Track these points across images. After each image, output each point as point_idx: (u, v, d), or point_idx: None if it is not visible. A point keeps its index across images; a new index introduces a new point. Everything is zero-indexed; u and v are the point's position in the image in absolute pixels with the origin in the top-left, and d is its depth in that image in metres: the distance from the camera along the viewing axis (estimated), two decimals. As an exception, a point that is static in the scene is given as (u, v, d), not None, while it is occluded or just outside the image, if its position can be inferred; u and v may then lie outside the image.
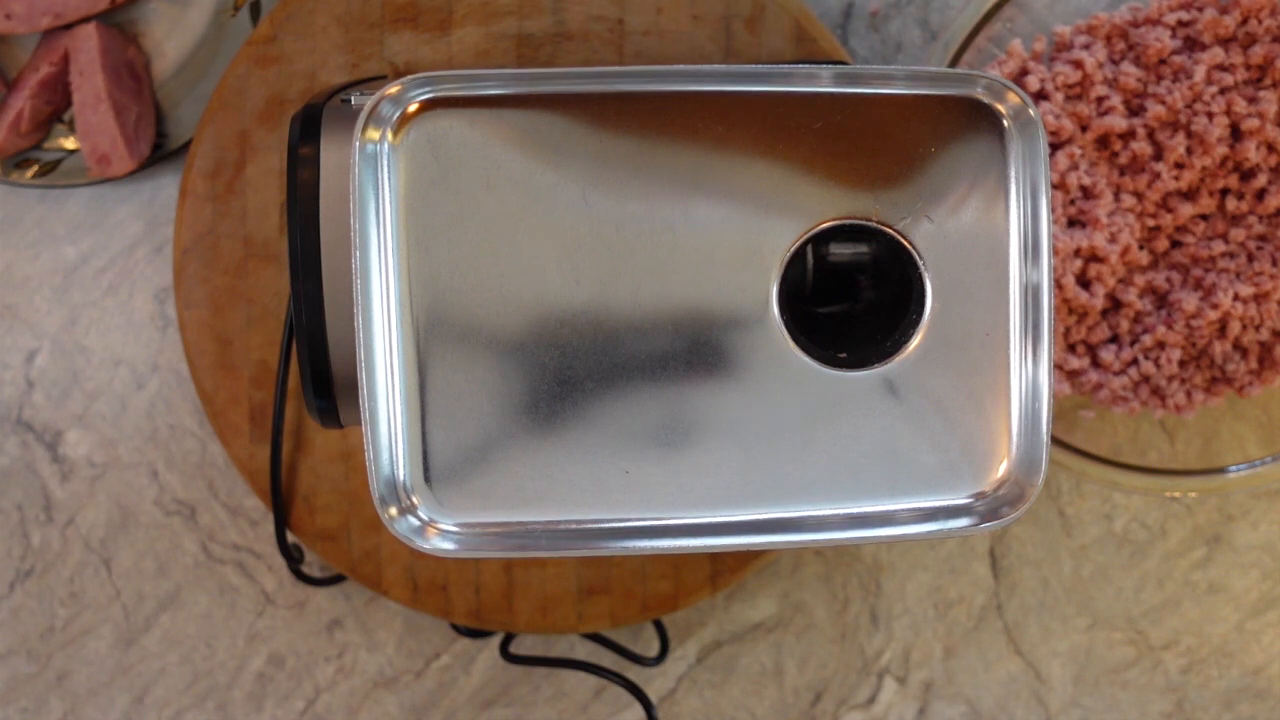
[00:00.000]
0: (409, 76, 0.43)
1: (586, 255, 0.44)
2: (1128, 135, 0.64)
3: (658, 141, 0.44)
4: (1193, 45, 0.65)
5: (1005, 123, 0.45)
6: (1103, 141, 0.65)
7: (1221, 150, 0.64)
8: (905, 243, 0.45)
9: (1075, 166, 0.64)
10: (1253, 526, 0.72)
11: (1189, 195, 0.65)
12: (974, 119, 0.45)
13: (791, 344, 0.45)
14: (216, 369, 0.65)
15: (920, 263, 0.45)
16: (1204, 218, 0.66)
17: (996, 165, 0.45)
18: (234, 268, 0.64)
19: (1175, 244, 0.66)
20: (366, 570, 0.66)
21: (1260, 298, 0.65)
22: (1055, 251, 0.63)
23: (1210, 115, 0.63)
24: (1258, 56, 0.64)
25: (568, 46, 0.62)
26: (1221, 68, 0.64)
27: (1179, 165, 0.64)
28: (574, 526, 0.45)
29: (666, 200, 0.44)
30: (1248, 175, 0.65)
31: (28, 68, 0.67)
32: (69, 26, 0.67)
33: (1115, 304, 0.66)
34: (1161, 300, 0.66)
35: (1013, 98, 0.44)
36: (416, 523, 0.44)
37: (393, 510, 0.44)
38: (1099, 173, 0.64)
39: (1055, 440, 0.66)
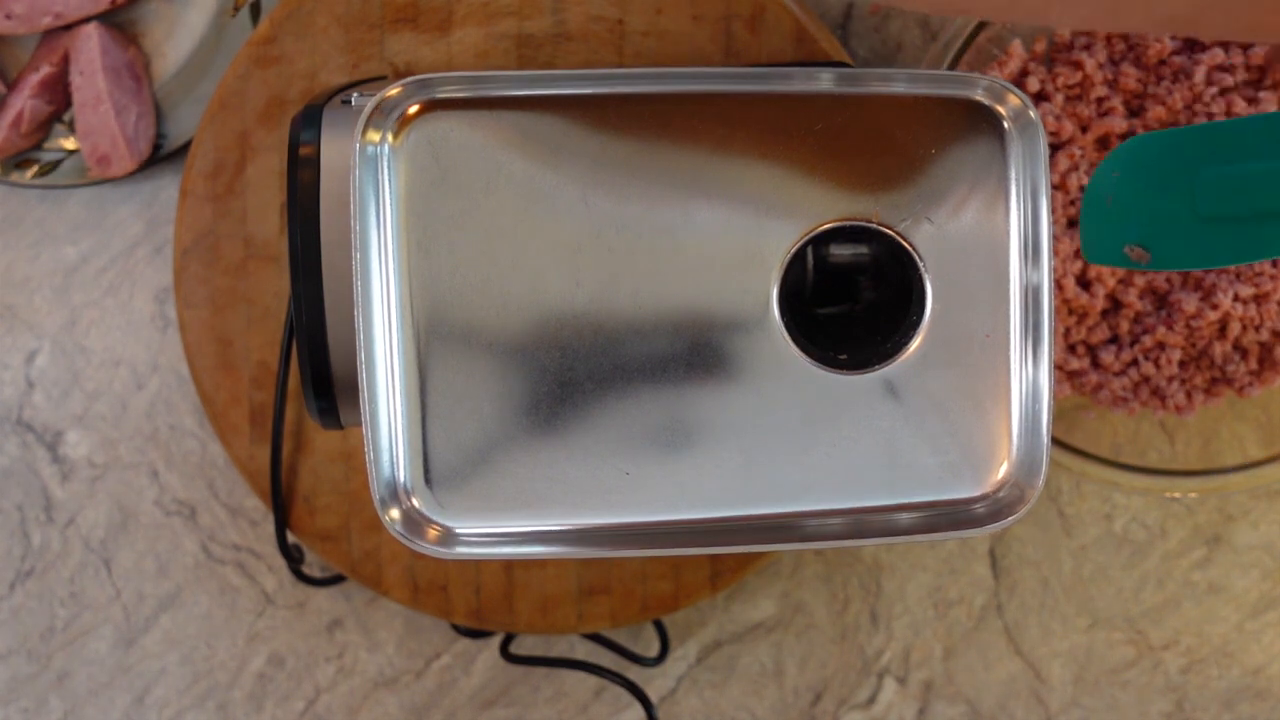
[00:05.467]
0: (409, 78, 0.43)
1: (587, 257, 0.44)
2: (1128, 136, 0.64)
3: (658, 143, 0.44)
4: (1193, 45, 0.64)
5: (1005, 124, 0.45)
6: (1103, 142, 0.64)
7: (1222, 151, 0.64)
8: (905, 244, 0.45)
9: (1075, 167, 0.64)
10: (1253, 526, 0.72)
11: (1189, 196, 0.65)
12: (974, 121, 0.45)
13: (792, 345, 0.45)
14: (217, 369, 0.65)
15: (920, 264, 0.45)
16: (1204, 218, 0.66)
17: (997, 167, 0.45)
18: (234, 268, 0.64)
19: (1175, 244, 0.66)
20: (366, 570, 0.66)
21: (1260, 298, 0.65)
22: (1055, 252, 0.63)
23: (1210, 116, 0.63)
24: (1258, 57, 0.64)
25: (568, 47, 0.62)
26: (1221, 68, 0.64)
27: (1179, 166, 0.64)
28: (574, 528, 0.45)
29: (667, 202, 0.44)
30: (1248, 176, 0.65)
31: (28, 68, 0.67)
32: (69, 27, 0.67)
33: (1115, 304, 0.66)
34: (1161, 300, 0.66)
35: (1013, 99, 0.44)
36: (417, 524, 0.44)
37: (393, 512, 0.44)
38: (1099, 173, 0.64)
39: (1055, 441, 0.66)
